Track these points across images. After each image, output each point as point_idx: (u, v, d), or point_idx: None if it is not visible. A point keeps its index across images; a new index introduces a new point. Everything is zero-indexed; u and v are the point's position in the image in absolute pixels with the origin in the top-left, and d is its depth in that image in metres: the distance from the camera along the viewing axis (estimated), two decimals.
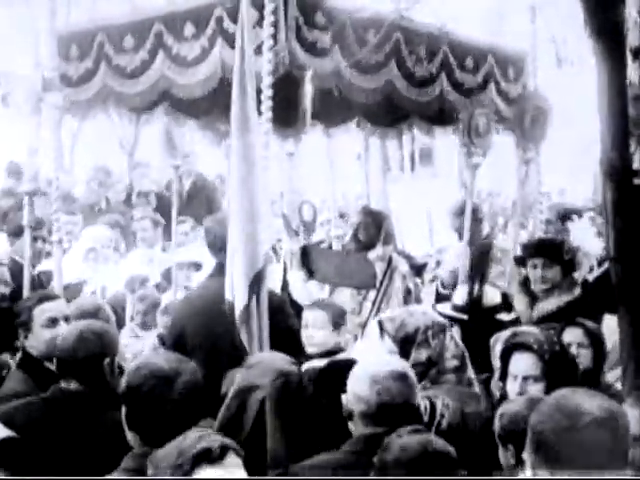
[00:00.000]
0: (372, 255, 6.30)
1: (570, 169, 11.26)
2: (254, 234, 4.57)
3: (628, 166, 3.44)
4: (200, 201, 8.86)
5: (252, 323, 4.61)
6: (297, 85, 5.29)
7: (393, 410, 3.12)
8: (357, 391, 3.17)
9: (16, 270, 6.29)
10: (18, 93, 5.71)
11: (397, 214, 7.70)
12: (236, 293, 4.59)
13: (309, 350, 4.66)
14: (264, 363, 3.56)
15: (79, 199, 9.36)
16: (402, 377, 3.18)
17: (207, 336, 4.80)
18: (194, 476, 2.55)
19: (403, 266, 6.52)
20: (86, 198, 9.32)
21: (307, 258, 6.27)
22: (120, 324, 6.09)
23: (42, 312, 4.38)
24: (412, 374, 3.26)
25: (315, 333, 4.68)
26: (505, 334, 3.90)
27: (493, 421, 3.63)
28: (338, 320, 4.79)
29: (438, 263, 8.06)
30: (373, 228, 6.50)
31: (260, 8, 4.75)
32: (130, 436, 3.05)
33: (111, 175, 9.58)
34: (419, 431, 2.98)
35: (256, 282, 4.59)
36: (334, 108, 6.17)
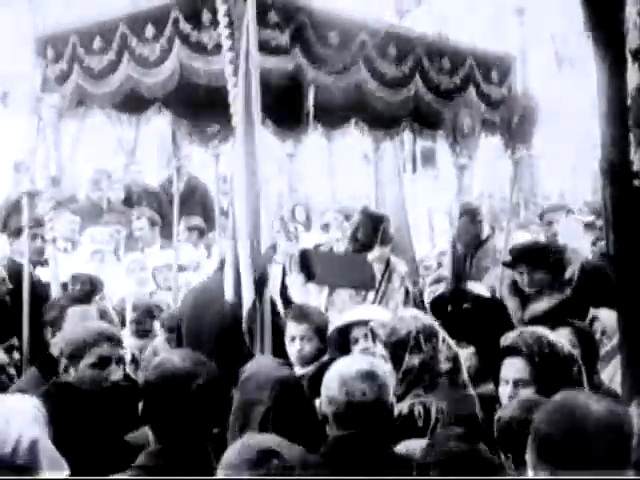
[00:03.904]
0: (370, 257, 6.30)
1: (570, 170, 11.26)
2: (258, 234, 4.59)
3: (628, 167, 3.44)
4: (194, 202, 8.87)
5: (256, 324, 4.62)
6: (297, 87, 5.28)
7: (364, 410, 3.11)
8: (328, 393, 3.17)
9: (15, 270, 6.29)
10: (17, 93, 5.73)
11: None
12: (244, 293, 4.60)
13: (297, 362, 4.67)
14: (258, 375, 3.54)
15: (81, 200, 9.38)
16: (371, 376, 3.16)
17: (201, 331, 4.82)
18: None
19: (401, 267, 6.53)
20: (88, 199, 9.32)
21: (306, 261, 6.27)
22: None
23: (75, 314, 4.39)
24: (382, 372, 3.25)
25: (304, 346, 4.70)
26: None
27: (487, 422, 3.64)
28: (323, 329, 4.78)
29: (439, 265, 8.07)
30: (371, 229, 6.51)
31: (213, 11, 4.77)
32: (147, 432, 3.05)
33: (111, 176, 9.57)
34: (467, 437, 2.95)
35: (261, 282, 4.60)
36: (331, 110, 6.15)
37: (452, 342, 3.91)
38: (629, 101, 3.42)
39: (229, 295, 4.73)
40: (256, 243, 4.60)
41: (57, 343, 4.32)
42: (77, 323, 4.35)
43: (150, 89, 5.34)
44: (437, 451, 2.82)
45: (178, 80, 5.11)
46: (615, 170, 3.47)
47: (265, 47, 4.89)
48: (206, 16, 4.86)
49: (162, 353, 4.45)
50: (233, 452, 2.67)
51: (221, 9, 4.71)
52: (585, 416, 2.41)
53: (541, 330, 3.88)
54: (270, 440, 2.73)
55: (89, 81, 5.58)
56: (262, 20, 4.88)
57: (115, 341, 3.90)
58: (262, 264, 4.62)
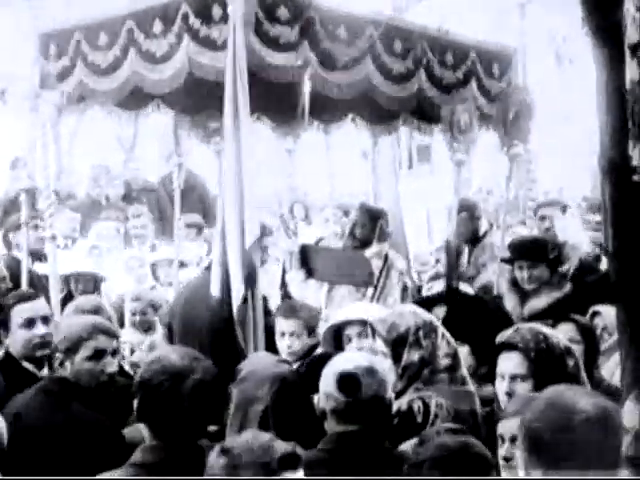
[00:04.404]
0: (368, 253, 6.32)
1: (569, 166, 11.26)
2: (245, 230, 4.61)
3: (627, 163, 3.43)
4: (193, 199, 8.87)
5: (248, 320, 4.63)
6: (293, 82, 5.28)
7: (363, 406, 3.11)
8: (326, 389, 3.16)
9: (14, 266, 6.29)
10: (16, 90, 5.73)
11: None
12: (233, 289, 4.61)
13: (287, 358, 4.68)
14: (256, 373, 3.55)
15: (80, 196, 9.39)
16: (369, 372, 3.16)
17: (189, 328, 4.85)
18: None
19: (400, 263, 6.54)
20: (87, 195, 9.33)
21: (305, 257, 6.29)
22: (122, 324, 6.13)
23: (19, 312, 4.36)
24: (381, 368, 3.24)
25: (294, 342, 4.74)
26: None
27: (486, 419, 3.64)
28: (312, 324, 4.84)
29: (437, 261, 8.08)
30: (369, 225, 6.53)
31: (224, 5, 4.77)
32: (142, 428, 3.06)
33: (110, 172, 9.58)
34: (457, 431, 2.94)
35: (251, 278, 4.61)
36: (328, 105, 6.16)
37: (451, 338, 3.91)
38: (627, 97, 3.42)
39: (215, 291, 4.75)
40: (243, 239, 4.62)
41: (12, 346, 4.32)
42: (22, 322, 4.34)
43: (156, 85, 5.32)
44: (429, 447, 2.82)
45: (185, 76, 5.09)
46: (614, 165, 3.46)
47: (273, 44, 4.90)
48: (216, 11, 4.84)
49: (158, 349, 4.46)
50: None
51: (230, 5, 4.70)
52: (573, 413, 2.41)
53: (537, 325, 3.88)
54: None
55: (92, 77, 5.56)
56: (272, 16, 4.90)
57: (110, 334, 3.90)
58: (250, 259, 4.64)
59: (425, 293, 6.93)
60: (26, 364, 4.28)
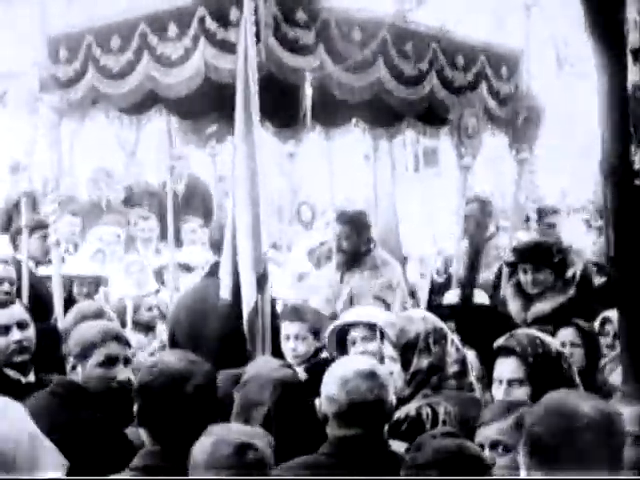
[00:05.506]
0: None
1: (570, 170, 11.25)
2: (258, 233, 4.60)
3: (628, 167, 3.44)
4: (196, 202, 8.86)
5: (257, 323, 4.63)
6: (296, 86, 5.27)
7: (365, 409, 3.11)
8: (328, 393, 3.16)
9: (19, 269, 6.27)
10: (15, 93, 5.72)
11: (401, 214, 7.68)
12: (244, 295, 4.61)
13: (292, 361, 4.68)
14: (260, 377, 3.55)
15: (80, 200, 9.36)
16: (371, 375, 3.15)
17: (196, 334, 4.84)
18: None
19: (395, 274, 6.50)
20: (88, 199, 9.31)
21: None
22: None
23: None
24: (382, 372, 3.24)
25: (298, 346, 4.73)
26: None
27: None
28: (318, 327, 4.83)
29: (446, 267, 8.04)
30: (355, 235, 6.50)
31: (241, 8, 4.75)
32: (141, 433, 3.06)
33: (112, 176, 9.55)
34: (452, 434, 2.95)
35: (262, 281, 4.62)
36: (331, 109, 6.15)
37: (460, 344, 3.90)
38: (629, 101, 3.42)
39: (225, 294, 4.74)
40: (257, 243, 4.62)
41: None
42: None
43: (171, 89, 5.29)
44: (426, 451, 2.82)
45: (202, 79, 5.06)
46: (616, 170, 3.47)
47: (292, 47, 4.92)
48: (234, 14, 4.83)
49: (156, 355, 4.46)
50: (206, 448, 2.70)
51: (248, 7, 4.69)
52: (575, 416, 2.43)
53: (532, 330, 3.88)
54: (243, 432, 2.78)
55: (105, 81, 5.53)
56: (291, 19, 4.90)
57: (122, 340, 3.90)
58: (263, 263, 4.65)
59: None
60: (8, 371, 4.27)
